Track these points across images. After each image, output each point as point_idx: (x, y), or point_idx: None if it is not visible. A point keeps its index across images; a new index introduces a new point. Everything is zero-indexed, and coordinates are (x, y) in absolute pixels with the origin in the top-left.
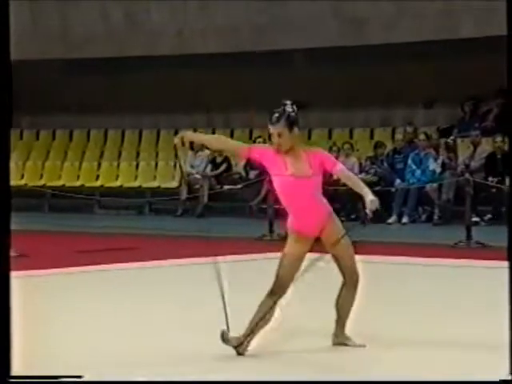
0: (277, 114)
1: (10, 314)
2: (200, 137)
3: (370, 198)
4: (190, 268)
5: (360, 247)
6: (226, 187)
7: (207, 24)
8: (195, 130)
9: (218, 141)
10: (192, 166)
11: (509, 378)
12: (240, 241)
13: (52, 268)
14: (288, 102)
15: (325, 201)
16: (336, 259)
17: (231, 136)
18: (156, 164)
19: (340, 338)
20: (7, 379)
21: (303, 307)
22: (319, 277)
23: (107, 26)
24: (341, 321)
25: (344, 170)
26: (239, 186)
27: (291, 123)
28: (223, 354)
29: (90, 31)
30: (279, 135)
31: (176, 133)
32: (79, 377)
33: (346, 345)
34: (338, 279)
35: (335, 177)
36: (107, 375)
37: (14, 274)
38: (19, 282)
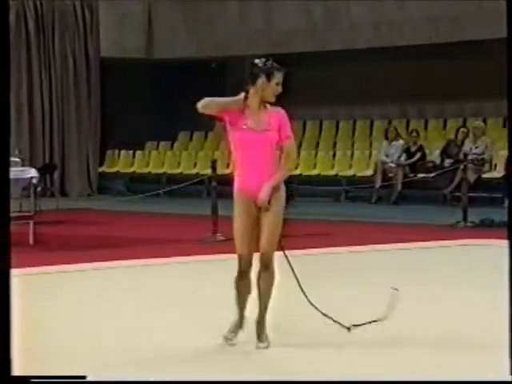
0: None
1: (9, 314)
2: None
3: (263, 191)
4: (373, 254)
5: None
6: (420, 175)
7: (404, 17)
8: (389, 122)
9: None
10: (387, 155)
11: (509, 378)
12: (434, 228)
13: (255, 252)
14: (257, 60)
15: (275, 167)
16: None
17: (425, 126)
18: (352, 153)
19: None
20: (7, 379)
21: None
22: None
23: (308, 22)
24: (261, 306)
25: (291, 148)
26: (433, 174)
27: (253, 77)
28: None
29: (292, 27)
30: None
31: (371, 123)
32: (83, 377)
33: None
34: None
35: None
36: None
37: (218, 257)
38: (223, 264)
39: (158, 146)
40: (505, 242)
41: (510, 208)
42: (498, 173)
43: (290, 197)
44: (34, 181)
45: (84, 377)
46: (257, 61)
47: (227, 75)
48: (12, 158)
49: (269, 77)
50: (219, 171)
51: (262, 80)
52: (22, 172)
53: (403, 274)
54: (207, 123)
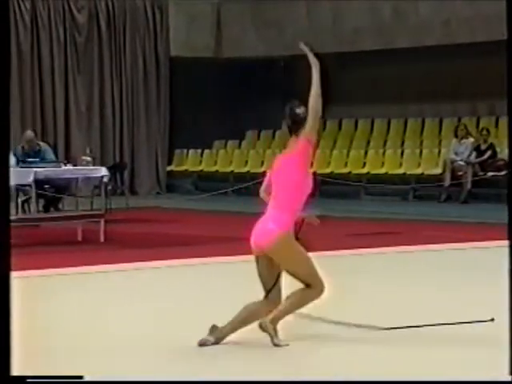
0: None
1: (9, 314)
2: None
3: None
4: (443, 253)
5: None
6: (490, 174)
7: (474, 13)
8: (459, 119)
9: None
10: (456, 153)
11: (509, 378)
12: (504, 227)
13: (325, 250)
14: (298, 110)
15: None
16: None
17: (496, 123)
18: (420, 151)
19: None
20: (7, 379)
21: None
22: None
23: (376, 20)
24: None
25: None
26: (503, 173)
27: (299, 125)
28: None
29: (360, 26)
30: None
31: (440, 121)
32: (80, 377)
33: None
34: None
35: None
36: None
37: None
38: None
39: (225, 144)
40: None
41: (509, 208)
42: None
43: None
44: (105, 179)
45: (81, 377)
46: (298, 111)
47: (295, 74)
48: (83, 157)
49: None
50: None
51: None
52: (93, 171)
53: (465, 275)
54: (275, 122)
